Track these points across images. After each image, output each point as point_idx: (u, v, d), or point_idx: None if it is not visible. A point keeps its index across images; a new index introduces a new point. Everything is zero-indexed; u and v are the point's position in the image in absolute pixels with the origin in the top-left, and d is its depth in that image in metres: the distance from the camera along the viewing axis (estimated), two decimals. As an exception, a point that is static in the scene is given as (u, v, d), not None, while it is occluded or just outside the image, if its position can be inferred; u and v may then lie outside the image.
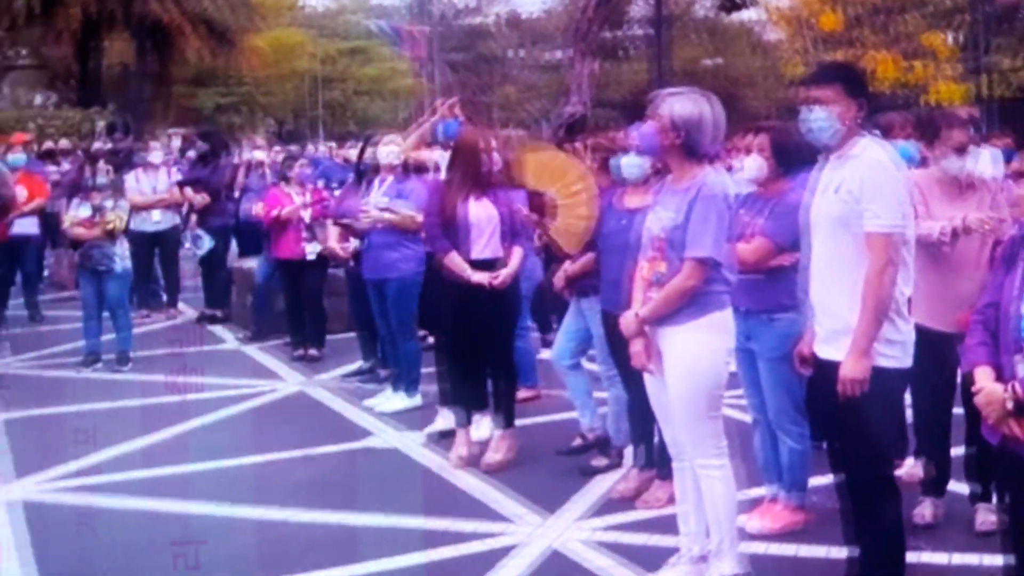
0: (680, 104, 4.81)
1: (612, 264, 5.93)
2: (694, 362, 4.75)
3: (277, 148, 20.26)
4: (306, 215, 10.41)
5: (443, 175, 8.24)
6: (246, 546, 5.83)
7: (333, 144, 24.99)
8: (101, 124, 23.75)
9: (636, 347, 4.88)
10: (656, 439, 5.96)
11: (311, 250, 10.34)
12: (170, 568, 5.51)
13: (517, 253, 7.15)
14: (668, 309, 4.76)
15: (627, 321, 4.88)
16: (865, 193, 4.39)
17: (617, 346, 5.70)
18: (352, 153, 14.55)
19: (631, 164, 6.23)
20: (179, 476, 7.03)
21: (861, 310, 4.36)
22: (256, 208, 11.04)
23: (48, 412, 8.80)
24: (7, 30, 31.17)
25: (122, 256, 10.43)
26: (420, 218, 7.83)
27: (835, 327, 4.50)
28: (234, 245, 13.44)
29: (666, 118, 4.80)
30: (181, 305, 13.40)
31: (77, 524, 6.22)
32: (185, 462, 7.28)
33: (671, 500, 5.47)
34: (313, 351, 10.43)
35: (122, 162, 13.68)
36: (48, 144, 18.02)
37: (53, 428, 8.37)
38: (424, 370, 8.51)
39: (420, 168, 9.04)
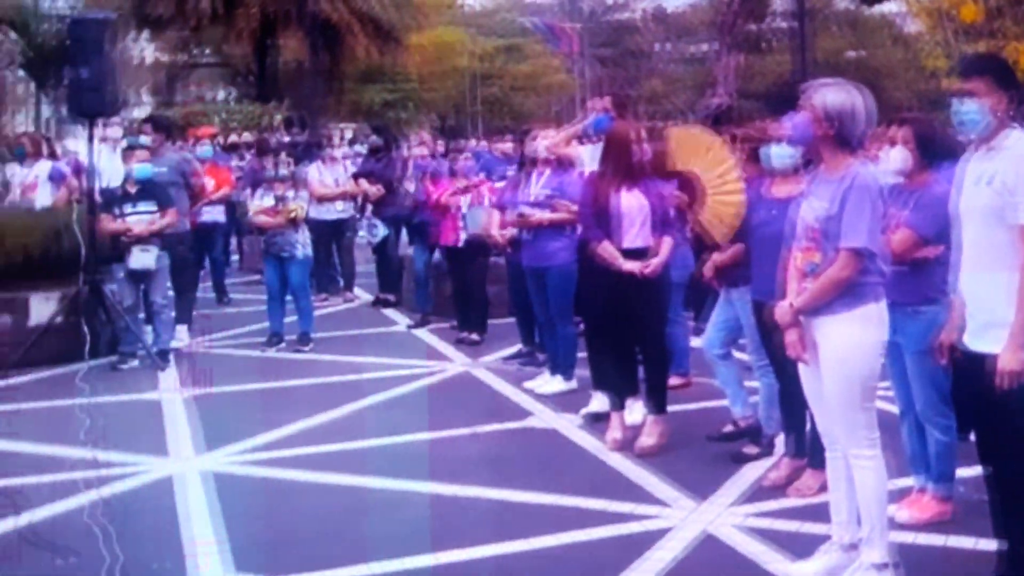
0: (833, 95, 4.71)
1: (764, 254, 5.80)
2: (848, 353, 4.65)
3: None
4: (464, 203, 10.49)
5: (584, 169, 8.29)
6: (418, 519, 5.88)
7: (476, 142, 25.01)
8: (278, 118, 24.27)
9: (791, 337, 4.77)
10: (808, 428, 5.84)
11: (464, 238, 10.43)
12: (348, 538, 5.63)
13: (667, 243, 7.10)
14: (823, 299, 4.66)
15: (782, 311, 4.78)
16: (1020, 185, 4.27)
17: (769, 336, 5.60)
18: (507, 147, 14.70)
19: (781, 154, 6.14)
20: (355, 451, 7.16)
21: (1018, 303, 4.25)
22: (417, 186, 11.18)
23: (234, 389, 9.03)
24: (192, 30, 31.94)
25: (303, 243, 10.66)
26: (575, 210, 7.88)
27: (987, 320, 4.38)
28: (404, 234, 13.62)
29: (819, 108, 4.70)
30: (357, 290, 13.66)
31: (262, 495, 6.41)
32: (360, 438, 7.42)
33: (822, 488, 5.40)
34: (474, 335, 10.50)
35: (300, 154, 13.98)
36: (232, 137, 18.50)
37: (239, 404, 8.61)
38: (580, 355, 8.50)
39: (564, 163, 9.02)
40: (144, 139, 11.28)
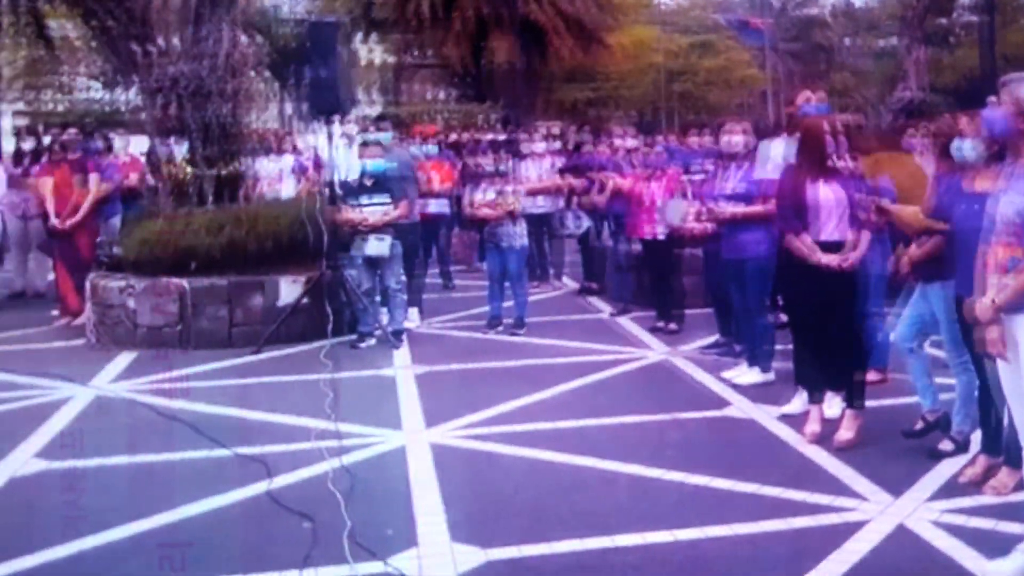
0: (1033, 89, 4.47)
1: (965, 249, 5.39)
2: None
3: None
4: (658, 195, 10.37)
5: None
6: (625, 499, 5.88)
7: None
8: (494, 117, 24.52)
9: (992, 334, 4.48)
10: (1005, 425, 5.54)
11: (661, 230, 10.31)
12: (560, 514, 5.63)
13: (864, 236, 6.83)
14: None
15: (983, 308, 4.49)
16: None
17: (969, 332, 5.22)
18: (700, 140, 14.45)
19: (974, 147, 5.82)
20: (565, 430, 7.16)
21: None
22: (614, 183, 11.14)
23: (459, 367, 9.18)
24: (414, 32, 32.43)
25: (520, 234, 10.72)
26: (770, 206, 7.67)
27: None
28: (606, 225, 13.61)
29: (1022, 102, 4.49)
30: (564, 279, 13.70)
31: (482, 468, 6.48)
32: (570, 418, 7.42)
33: (1018, 487, 5.18)
34: (671, 325, 10.34)
35: (515, 151, 14.10)
36: (452, 136, 18.76)
37: (463, 382, 8.74)
38: (779, 347, 8.32)
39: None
40: (387, 136, 11.49)
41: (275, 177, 14.01)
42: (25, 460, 6.71)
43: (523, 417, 7.49)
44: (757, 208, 8.11)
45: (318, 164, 14.40)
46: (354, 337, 10.06)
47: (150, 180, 13.42)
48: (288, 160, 14.68)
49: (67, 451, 6.86)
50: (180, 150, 12.44)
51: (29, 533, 5.44)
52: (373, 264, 10.11)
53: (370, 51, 37.02)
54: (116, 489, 6.25)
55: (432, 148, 14.32)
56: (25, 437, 7.15)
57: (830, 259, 6.69)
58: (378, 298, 10.35)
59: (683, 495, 5.90)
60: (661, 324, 10.43)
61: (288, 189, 14.01)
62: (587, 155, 13.79)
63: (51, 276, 12.54)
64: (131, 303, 10.17)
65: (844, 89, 39.75)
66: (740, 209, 8.22)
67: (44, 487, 6.28)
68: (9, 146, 14.23)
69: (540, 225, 13.05)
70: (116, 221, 12.33)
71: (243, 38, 11.87)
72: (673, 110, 44.54)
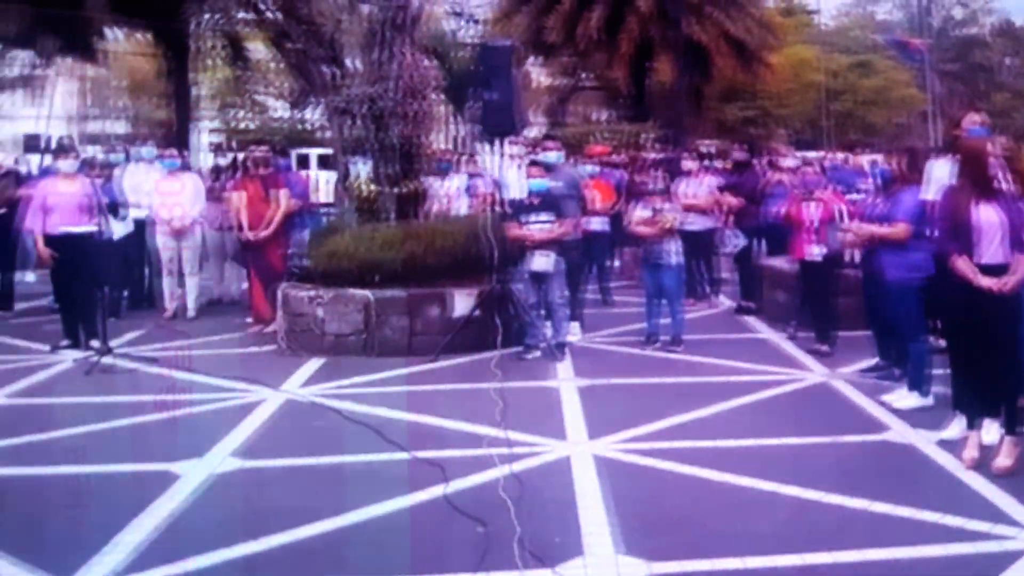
0: None
1: None
2: None
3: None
4: (816, 217, 10.14)
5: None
6: (784, 520, 5.79)
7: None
8: (651, 136, 24.41)
9: None
10: None
11: (816, 252, 10.09)
12: (722, 531, 5.58)
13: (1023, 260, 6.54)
14: None
15: None
16: None
17: None
18: (862, 160, 14.10)
19: None
20: (724, 449, 7.06)
21: None
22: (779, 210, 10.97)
23: (618, 382, 9.15)
24: (579, 55, 32.49)
25: (676, 252, 10.60)
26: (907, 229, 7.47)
27: None
28: (763, 245, 13.41)
29: None
30: (721, 297, 13.57)
31: (644, 482, 6.45)
32: (728, 437, 7.30)
33: None
34: (825, 347, 10.05)
35: (673, 170, 14.00)
36: (616, 156, 18.72)
37: (623, 396, 8.73)
38: (938, 371, 8.02)
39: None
40: (556, 156, 11.52)
41: (452, 195, 14.22)
42: (223, 458, 6.97)
43: (683, 434, 7.43)
44: (890, 229, 7.92)
45: (490, 183, 14.55)
46: (521, 349, 10.13)
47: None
48: (461, 179, 14.88)
49: (261, 451, 7.15)
50: (364, 168, 12.78)
51: (225, 529, 5.66)
52: (538, 279, 10.18)
53: (537, 73, 37.24)
54: (305, 488, 6.46)
55: (594, 168, 14.33)
56: (223, 436, 7.44)
57: (988, 282, 6.44)
58: (542, 312, 10.41)
59: (842, 518, 5.77)
60: (815, 346, 10.18)
61: (462, 207, 14.21)
62: (750, 174, 13.57)
63: (245, 285, 12.98)
64: (319, 312, 10.45)
65: (1004, 110, 38.31)
66: (879, 230, 8.03)
67: (240, 485, 6.51)
68: (207, 162, 14.74)
69: (697, 243, 12.90)
70: (304, 234, 12.71)
71: (423, 61, 12.01)
72: (832, 129, 43.51)
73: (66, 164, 11.27)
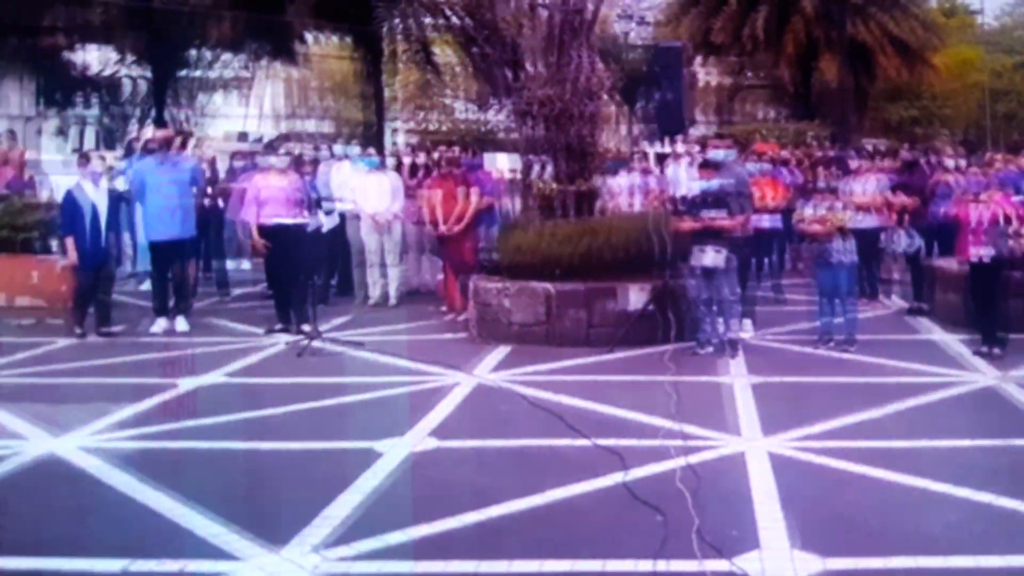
0: None
1: None
2: None
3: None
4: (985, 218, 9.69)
5: None
6: (956, 522, 5.59)
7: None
8: (817, 135, 23.78)
9: None
10: None
11: (983, 253, 9.66)
12: (894, 529, 5.45)
13: None
14: None
15: None
16: None
17: None
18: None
19: None
20: (896, 449, 6.84)
21: None
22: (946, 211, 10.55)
23: (791, 380, 8.94)
24: (745, 55, 31.85)
25: (850, 250, 10.20)
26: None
27: None
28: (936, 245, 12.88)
29: None
30: (893, 297, 13.10)
31: (818, 480, 6.30)
32: (901, 437, 7.09)
33: None
34: (996, 350, 9.58)
35: (844, 168, 13.58)
36: (785, 153, 18.29)
37: (795, 394, 8.52)
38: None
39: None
40: (728, 153, 11.31)
41: (625, 192, 14.17)
42: (422, 438, 7.14)
43: (855, 433, 7.22)
44: None
45: (659, 180, 14.44)
46: (693, 344, 10.01)
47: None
48: (632, 177, 14.80)
49: (455, 432, 7.29)
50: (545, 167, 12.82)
51: (424, 505, 5.75)
52: (710, 275, 10.02)
53: (707, 73, 36.69)
54: (495, 469, 6.57)
55: (765, 165, 14.04)
56: (421, 417, 7.61)
57: None
58: (714, 308, 10.28)
59: (1016, 523, 5.52)
60: (984, 349, 9.72)
61: (635, 204, 14.14)
62: (919, 173, 13.06)
63: (440, 276, 13.22)
64: (506, 303, 10.59)
65: None
66: None
67: (437, 463, 6.65)
68: (404, 161, 15.05)
69: (867, 242, 12.46)
70: (494, 230, 12.89)
71: (598, 64, 11.96)
72: (996, 130, 41.43)
73: (277, 160, 11.66)
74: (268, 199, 11.25)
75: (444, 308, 12.33)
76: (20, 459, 6.72)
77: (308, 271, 10.97)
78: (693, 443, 6.87)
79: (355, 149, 14.55)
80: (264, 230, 11.23)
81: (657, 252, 10.35)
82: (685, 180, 11.62)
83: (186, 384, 8.83)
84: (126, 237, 14.16)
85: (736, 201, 10.42)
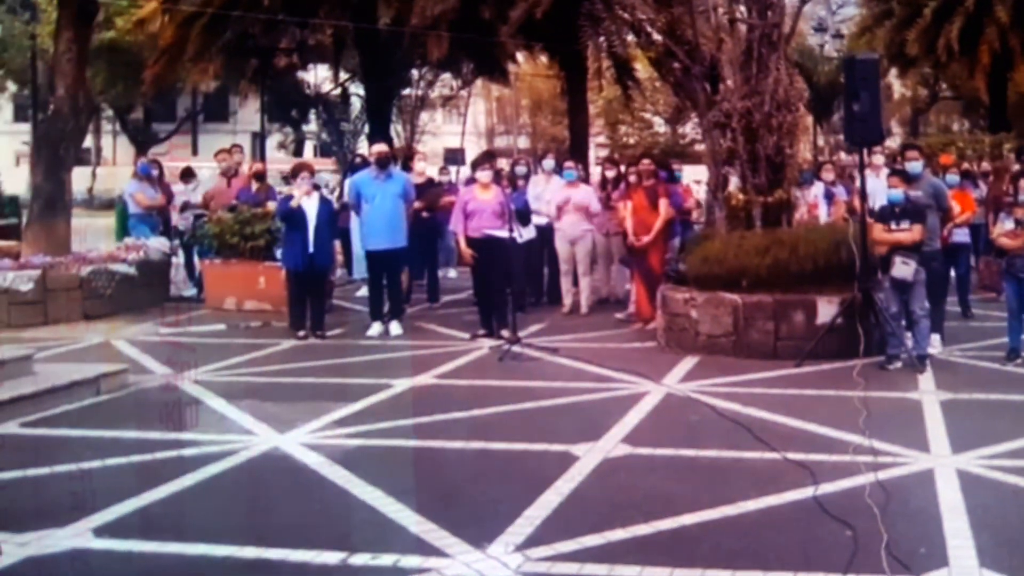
0: None
1: None
2: None
3: None
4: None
5: None
6: None
7: None
8: (1008, 147, 22.52)
9: None
10: None
11: None
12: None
13: None
14: None
15: None
16: None
17: None
18: None
19: None
20: None
21: None
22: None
23: (978, 397, 8.54)
24: (937, 67, 30.48)
25: None
26: None
27: None
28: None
29: None
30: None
31: (1009, 499, 6.01)
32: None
33: None
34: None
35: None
36: (965, 165, 17.44)
37: (985, 411, 8.14)
38: None
39: None
40: (917, 165, 10.87)
41: (812, 204, 13.84)
42: (615, 443, 7.17)
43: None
44: None
45: (852, 192, 13.99)
46: (882, 358, 9.66)
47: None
48: (819, 187, 14.41)
49: (647, 439, 7.28)
50: (733, 179, 12.66)
51: (619, 510, 5.79)
52: (900, 288, 9.66)
53: (896, 84, 35.35)
54: (686, 478, 6.52)
55: (953, 178, 13.44)
56: (614, 423, 7.65)
57: None
58: (903, 322, 9.90)
59: None
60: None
61: (823, 215, 13.78)
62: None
63: (628, 286, 13.24)
64: (694, 313, 10.50)
65: None
66: None
67: (630, 469, 6.66)
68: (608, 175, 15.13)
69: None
70: (678, 241, 12.81)
71: (793, 75, 11.71)
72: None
73: (484, 175, 11.89)
74: (475, 212, 11.51)
75: (622, 315, 12.36)
76: (248, 453, 7.09)
77: (510, 280, 11.18)
78: (882, 459, 6.66)
79: (551, 162, 14.74)
80: (471, 241, 11.49)
81: (848, 264, 10.04)
82: (879, 191, 11.20)
83: (399, 385, 9.17)
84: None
85: (927, 213, 9.99)
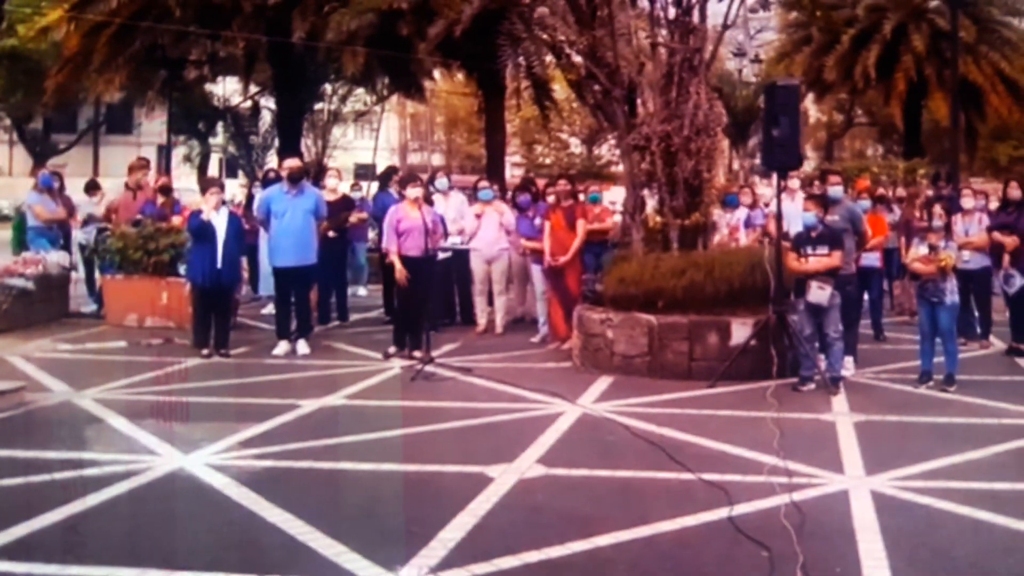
0: None
1: None
2: None
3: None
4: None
5: None
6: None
7: None
8: (921, 173, 23.24)
9: None
10: None
11: None
12: (1001, 573, 5.27)
13: None
14: None
15: None
16: None
17: None
18: None
19: None
20: (1001, 491, 6.59)
21: None
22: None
23: (890, 419, 8.70)
24: (852, 93, 31.25)
25: (952, 290, 9.90)
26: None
27: None
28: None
29: None
30: (991, 337, 12.67)
31: (921, 520, 6.11)
32: (1006, 479, 6.82)
33: None
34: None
35: (950, 207, 13.21)
36: (880, 190, 17.90)
37: (898, 433, 8.31)
38: None
39: None
40: (835, 190, 11.08)
41: (734, 227, 14.06)
42: (530, 464, 7.16)
43: (958, 474, 7.00)
44: None
45: (764, 216, 14.26)
46: (796, 380, 9.83)
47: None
48: (741, 212, 14.66)
49: (562, 460, 7.26)
50: (650, 201, 12.79)
51: (534, 531, 5.79)
52: (815, 311, 9.86)
53: (817, 110, 36.25)
54: (601, 499, 6.54)
55: (866, 202, 13.77)
56: (529, 444, 7.64)
57: None
58: (817, 344, 10.08)
59: None
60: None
61: (743, 239, 14.01)
62: (1021, 214, 12.59)
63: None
64: (609, 333, 10.56)
65: None
66: None
67: (545, 490, 6.65)
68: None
69: (972, 282, 12.11)
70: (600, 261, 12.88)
71: (713, 100, 11.87)
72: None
73: (414, 192, 11.61)
74: (407, 230, 11.33)
75: (536, 339, 12.43)
76: (152, 473, 6.94)
77: (425, 299, 11.11)
78: (797, 480, 6.76)
79: (444, 182, 14.70)
80: (403, 260, 11.27)
81: (762, 287, 10.21)
82: (795, 215, 11.42)
83: (308, 405, 9.03)
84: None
85: (844, 238, 10.21)
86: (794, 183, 14.12)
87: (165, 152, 28.68)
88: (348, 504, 6.40)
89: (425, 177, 14.83)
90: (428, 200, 13.66)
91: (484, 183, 14.34)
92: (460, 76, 25.85)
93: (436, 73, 25.34)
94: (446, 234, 12.29)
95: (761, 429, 8.04)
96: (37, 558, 5.34)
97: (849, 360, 10.54)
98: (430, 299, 11.11)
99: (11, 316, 12.96)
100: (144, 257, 13.13)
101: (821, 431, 8.28)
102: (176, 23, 18.67)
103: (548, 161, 35.34)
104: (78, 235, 15.34)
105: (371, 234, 17.56)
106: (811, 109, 35.12)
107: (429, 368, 10.32)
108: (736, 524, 5.88)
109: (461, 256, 13.32)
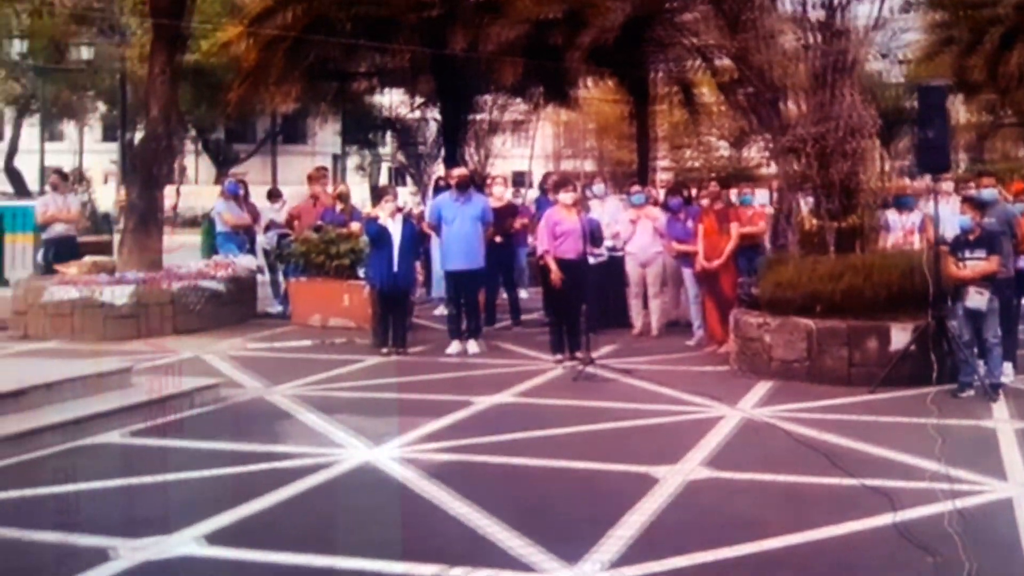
0: None
1: None
2: None
3: None
4: None
5: None
6: None
7: None
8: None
9: None
10: None
11: None
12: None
13: None
14: None
15: None
16: None
17: None
18: None
19: None
20: None
21: None
22: None
23: None
24: (1000, 93, 29.80)
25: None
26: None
27: None
28: None
29: None
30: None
31: None
32: None
33: None
34: None
35: None
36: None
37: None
38: None
39: None
40: (989, 192, 10.70)
41: (908, 231, 13.53)
42: (694, 466, 7.17)
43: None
44: None
45: (925, 220, 13.74)
46: (955, 386, 9.51)
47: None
48: (915, 216, 14.13)
49: (726, 463, 7.26)
50: (805, 204, 12.55)
51: (703, 532, 5.81)
52: (973, 316, 9.54)
53: (958, 111, 34.71)
54: (767, 502, 6.52)
55: (1021, 205, 13.15)
56: (692, 446, 7.65)
57: None
58: (976, 350, 9.72)
59: None
60: None
61: (916, 241, 13.52)
62: None
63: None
64: (767, 338, 10.41)
65: None
66: None
67: (712, 492, 6.67)
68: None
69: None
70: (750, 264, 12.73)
71: (862, 101, 11.58)
72: None
73: (568, 197, 11.73)
74: (564, 233, 11.42)
75: (692, 342, 12.38)
76: (341, 466, 7.22)
77: (585, 301, 11.21)
78: (960, 487, 6.59)
79: (600, 187, 14.75)
80: (560, 263, 11.36)
81: (921, 292, 9.91)
82: (949, 219, 11.04)
83: (481, 402, 9.27)
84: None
85: (1000, 241, 9.85)
86: (947, 185, 13.63)
87: (341, 161, 29.55)
88: (524, 498, 6.55)
89: (579, 184, 14.95)
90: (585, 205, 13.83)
91: (636, 187, 14.33)
92: (609, 83, 25.82)
93: (587, 80, 25.33)
94: (601, 239, 12.36)
95: (922, 435, 7.84)
96: (242, 544, 5.66)
97: (1008, 366, 10.12)
98: (585, 301, 11.20)
99: (204, 317, 13.63)
100: (326, 261, 13.65)
101: (982, 438, 8.04)
102: (345, 36, 19.22)
103: (696, 164, 34.93)
104: (261, 240, 16.05)
105: (530, 239, 17.78)
106: (960, 111, 33.65)
107: (590, 369, 10.43)
108: (901, 530, 5.78)
109: (614, 260, 13.38)
